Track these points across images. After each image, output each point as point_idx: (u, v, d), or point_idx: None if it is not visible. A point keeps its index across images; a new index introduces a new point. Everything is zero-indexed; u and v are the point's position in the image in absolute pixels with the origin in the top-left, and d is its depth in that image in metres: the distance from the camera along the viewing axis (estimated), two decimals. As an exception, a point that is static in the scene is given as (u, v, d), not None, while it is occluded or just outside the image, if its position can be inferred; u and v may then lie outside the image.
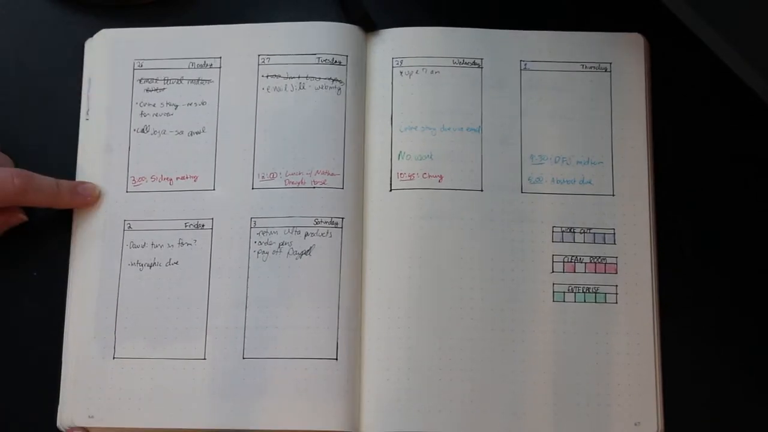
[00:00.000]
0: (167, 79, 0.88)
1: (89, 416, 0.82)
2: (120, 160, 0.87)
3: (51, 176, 0.84)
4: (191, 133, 0.87)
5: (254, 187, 0.85)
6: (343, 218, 0.84)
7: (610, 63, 0.88)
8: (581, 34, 0.89)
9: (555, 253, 0.85)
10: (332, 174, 0.85)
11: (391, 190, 0.85)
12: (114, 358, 0.83)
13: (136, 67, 0.89)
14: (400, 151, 0.86)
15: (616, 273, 0.85)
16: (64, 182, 0.85)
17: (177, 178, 0.86)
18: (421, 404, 0.82)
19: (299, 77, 0.87)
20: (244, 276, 0.84)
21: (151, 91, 0.88)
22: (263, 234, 0.84)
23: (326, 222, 0.84)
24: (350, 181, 0.85)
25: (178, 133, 0.87)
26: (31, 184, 0.83)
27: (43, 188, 0.84)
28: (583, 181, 0.86)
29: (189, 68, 0.88)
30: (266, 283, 0.83)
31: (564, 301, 0.84)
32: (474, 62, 0.88)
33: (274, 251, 0.84)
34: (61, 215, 0.86)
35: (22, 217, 0.85)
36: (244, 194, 0.85)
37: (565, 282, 0.84)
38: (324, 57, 0.87)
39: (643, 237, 0.85)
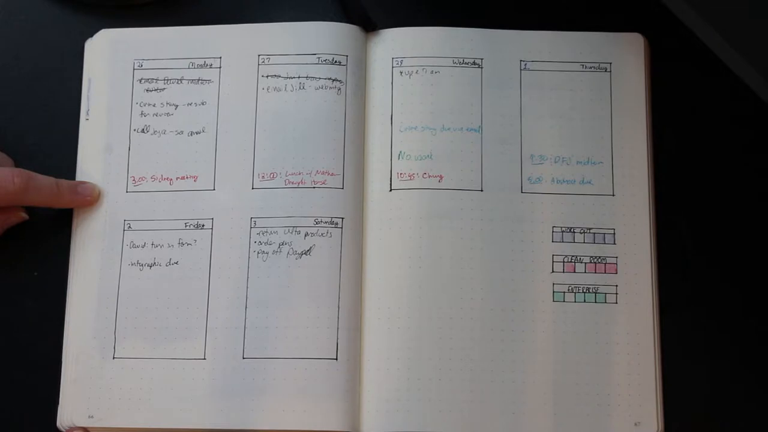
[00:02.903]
0: (167, 79, 0.88)
1: (89, 416, 0.82)
2: (120, 160, 0.87)
3: (51, 176, 0.84)
4: (191, 133, 0.87)
5: (254, 187, 0.85)
6: (343, 218, 0.84)
7: (610, 63, 0.88)
8: (581, 34, 0.89)
9: (555, 253, 0.85)
10: (332, 174, 0.85)
11: (391, 190, 0.85)
12: (114, 358, 0.83)
13: (136, 67, 0.89)
14: (400, 151, 0.86)
15: (616, 273, 0.85)
16: (64, 182, 0.85)
17: (177, 178, 0.86)
18: (421, 404, 0.82)
19: (299, 77, 0.87)
20: (244, 276, 0.84)
21: (151, 91, 0.88)
22: (263, 234, 0.84)
23: (326, 222, 0.84)
24: (350, 181, 0.85)
25: (178, 133, 0.87)
26: (31, 183, 0.83)
27: (43, 188, 0.84)
28: (583, 181, 0.86)
29: (189, 68, 0.88)
30: (266, 283, 0.83)
31: (564, 301, 0.84)
32: (474, 62, 0.88)
33: (274, 251, 0.84)
34: (61, 215, 0.86)
35: (23, 216, 0.85)
36: (244, 194, 0.85)
37: (565, 282, 0.84)
38: (324, 57, 0.87)
39: (643, 237, 0.85)
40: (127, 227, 0.86)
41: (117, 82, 0.89)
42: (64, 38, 0.90)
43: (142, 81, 0.89)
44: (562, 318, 0.84)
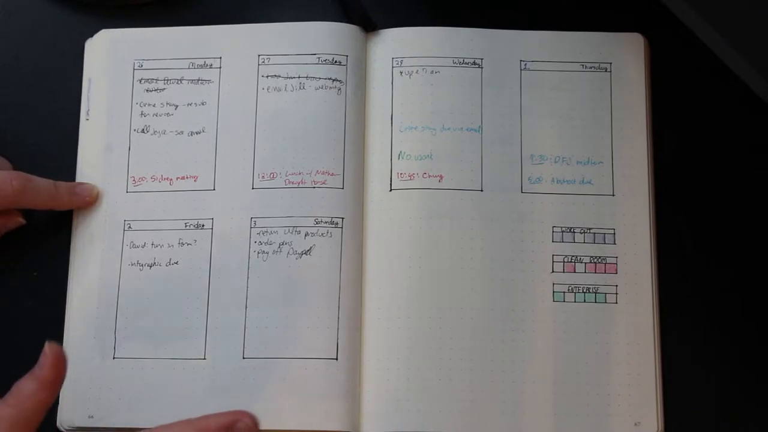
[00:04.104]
0: (167, 79, 0.88)
1: (89, 416, 0.82)
2: (120, 160, 0.87)
3: (51, 177, 0.84)
4: (191, 133, 0.87)
5: (254, 187, 0.85)
6: (343, 218, 0.84)
7: (610, 63, 0.88)
8: (581, 34, 0.89)
9: (555, 253, 0.85)
10: (332, 174, 0.85)
11: (391, 190, 0.85)
12: (114, 358, 0.83)
13: (136, 67, 0.89)
14: (400, 151, 0.86)
15: (616, 273, 0.85)
16: (62, 183, 0.85)
17: (177, 178, 0.86)
18: (421, 404, 0.82)
19: (299, 77, 0.87)
20: (244, 276, 0.84)
21: (151, 91, 0.88)
22: (263, 234, 0.84)
23: (326, 222, 0.84)
24: (350, 181, 0.85)
25: (178, 134, 0.87)
26: (29, 185, 0.83)
27: (41, 189, 0.83)
28: (583, 181, 0.86)
29: (189, 68, 0.88)
30: (266, 283, 0.83)
31: (564, 301, 0.84)
32: (474, 62, 0.88)
33: (274, 251, 0.84)
34: (61, 216, 0.86)
35: (20, 221, 0.85)
36: (244, 194, 0.85)
37: (565, 282, 0.84)
38: (324, 57, 0.87)
39: (643, 237, 0.85)
40: (127, 227, 0.86)
41: (117, 82, 0.89)
42: (64, 38, 0.90)
43: (142, 81, 0.88)
44: (562, 318, 0.84)
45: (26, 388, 0.74)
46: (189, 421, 0.72)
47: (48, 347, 0.72)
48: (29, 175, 0.83)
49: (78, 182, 0.86)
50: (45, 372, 0.74)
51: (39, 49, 0.90)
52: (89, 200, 0.86)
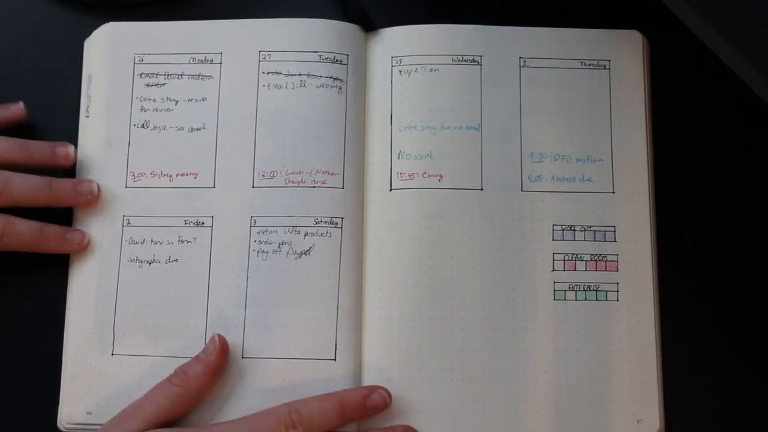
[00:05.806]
0: (168, 74, 0.88)
1: (87, 412, 0.82)
2: (119, 154, 0.87)
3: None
4: (191, 130, 0.87)
5: (254, 185, 0.85)
6: (342, 218, 0.84)
7: (609, 60, 0.88)
8: (580, 31, 0.88)
9: (555, 252, 0.85)
10: (332, 173, 0.84)
11: (391, 190, 0.85)
12: (113, 354, 0.83)
13: (136, 61, 0.89)
14: (400, 151, 0.86)
15: (617, 270, 0.85)
16: (51, 227, 0.84)
17: (177, 175, 0.86)
18: (421, 404, 0.82)
19: (300, 75, 0.87)
20: (243, 275, 0.84)
21: (151, 86, 0.88)
22: (263, 233, 0.84)
23: (326, 222, 0.84)
24: (350, 181, 0.85)
25: (178, 129, 0.87)
26: (9, 229, 0.82)
27: (24, 234, 0.83)
28: (583, 179, 0.86)
29: (189, 63, 0.88)
30: (266, 282, 0.83)
31: (565, 300, 0.84)
32: (473, 59, 0.88)
33: (273, 251, 0.84)
34: (61, 214, 0.86)
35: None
36: (244, 193, 0.85)
37: (565, 280, 0.84)
38: (326, 55, 0.87)
39: (644, 234, 0.85)
40: (126, 223, 0.86)
41: (117, 76, 0.88)
42: (64, 38, 0.90)
43: (143, 76, 0.88)
44: (563, 316, 0.84)
45: (192, 370, 0.80)
46: (329, 395, 0.79)
47: (216, 336, 0.80)
48: (12, 218, 0.82)
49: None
50: (212, 358, 0.80)
51: (39, 49, 0.90)
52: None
